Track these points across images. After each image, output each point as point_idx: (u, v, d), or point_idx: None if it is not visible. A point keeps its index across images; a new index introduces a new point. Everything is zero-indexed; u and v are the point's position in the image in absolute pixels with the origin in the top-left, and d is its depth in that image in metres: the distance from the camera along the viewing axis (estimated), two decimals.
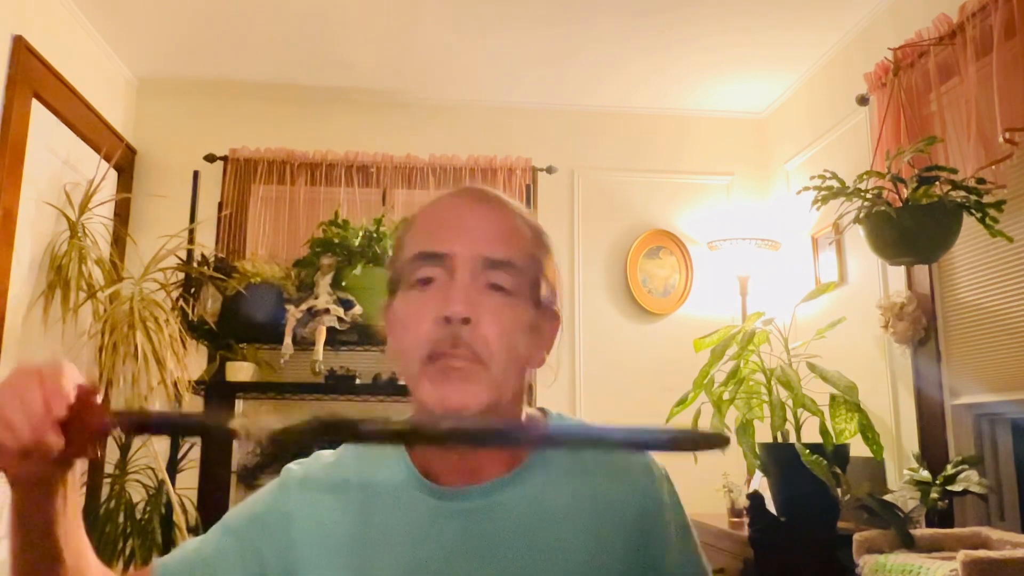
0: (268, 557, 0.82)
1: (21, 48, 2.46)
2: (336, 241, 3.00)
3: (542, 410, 0.91)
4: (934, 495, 2.16)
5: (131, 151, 3.28)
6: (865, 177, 2.11)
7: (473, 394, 0.76)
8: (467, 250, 0.78)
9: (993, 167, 2.05)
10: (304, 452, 0.90)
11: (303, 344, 2.97)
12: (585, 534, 0.79)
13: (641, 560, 0.80)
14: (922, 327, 2.47)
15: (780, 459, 2.26)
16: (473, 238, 0.79)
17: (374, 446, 0.85)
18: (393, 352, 0.82)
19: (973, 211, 1.95)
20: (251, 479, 3.22)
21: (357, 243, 2.98)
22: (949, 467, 2.21)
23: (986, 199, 1.95)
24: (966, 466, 2.17)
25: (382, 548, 0.79)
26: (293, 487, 0.86)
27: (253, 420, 0.63)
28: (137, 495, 2.80)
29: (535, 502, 0.79)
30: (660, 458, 0.87)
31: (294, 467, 0.88)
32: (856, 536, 2.04)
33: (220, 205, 3.31)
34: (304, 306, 2.95)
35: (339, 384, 3.07)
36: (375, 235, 3.00)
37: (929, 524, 2.24)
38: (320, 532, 0.82)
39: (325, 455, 0.89)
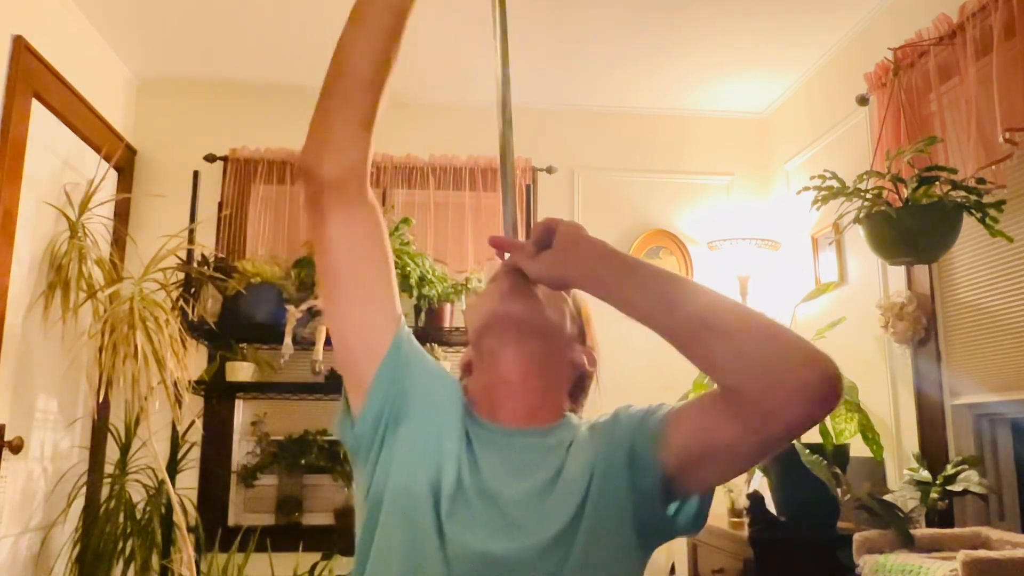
0: (408, 383, 1.03)
1: (21, 48, 2.46)
2: None
3: None
4: (934, 495, 2.16)
5: (131, 151, 3.28)
6: (865, 177, 2.11)
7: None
8: None
9: (993, 167, 2.04)
10: None
11: (303, 344, 2.97)
12: (589, 469, 0.94)
13: (628, 476, 0.92)
14: (922, 327, 2.47)
15: (780, 459, 2.25)
16: None
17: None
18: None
19: (973, 211, 1.95)
20: (251, 479, 3.23)
21: None
22: (949, 467, 2.21)
23: (986, 199, 1.95)
24: (966, 466, 2.17)
25: (442, 460, 0.95)
26: (445, 380, 1.04)
27: None
28: (137, 495, 2.81)
29: (561, 447, 0.98)
30: None
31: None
32: (856, 536, 2.04)
33: (220, 205, 3.31)
34: (304, 306, 2.95)
35: (339, 384, 3.05)
36: None
37: (929, 524, 2.24)
38: (427, 423, 0.99)
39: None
